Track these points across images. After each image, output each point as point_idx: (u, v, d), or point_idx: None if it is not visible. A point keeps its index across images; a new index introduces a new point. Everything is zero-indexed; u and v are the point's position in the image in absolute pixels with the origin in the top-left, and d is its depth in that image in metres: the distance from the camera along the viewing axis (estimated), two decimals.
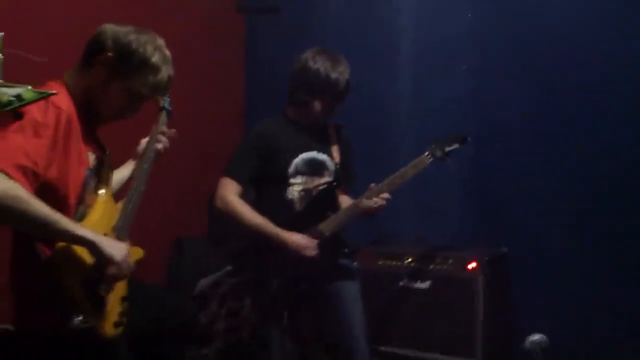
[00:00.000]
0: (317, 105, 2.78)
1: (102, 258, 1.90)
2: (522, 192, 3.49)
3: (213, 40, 4.19)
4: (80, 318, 1.88)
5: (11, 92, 1.29)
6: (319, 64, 2.74)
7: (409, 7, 3.89)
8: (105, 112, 2.10)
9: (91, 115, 2.10)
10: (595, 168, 3.31)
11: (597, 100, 3.34)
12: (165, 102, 2.45)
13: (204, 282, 3.66)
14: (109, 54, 2.03)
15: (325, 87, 2.73)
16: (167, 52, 2.13)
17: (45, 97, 1.29)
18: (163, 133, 2.38)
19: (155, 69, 2.07)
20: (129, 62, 2.04)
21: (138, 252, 2.21)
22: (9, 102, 1.28)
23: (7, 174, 1.73)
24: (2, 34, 1.29)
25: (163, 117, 2.44)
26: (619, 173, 3.27)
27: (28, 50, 2.57)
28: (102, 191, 2.12)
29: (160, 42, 2.12)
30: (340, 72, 2.73)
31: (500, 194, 3.57)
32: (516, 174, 3.51)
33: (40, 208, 1.77)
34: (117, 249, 1.94)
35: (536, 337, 2.88)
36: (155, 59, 2.07)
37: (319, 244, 2.74)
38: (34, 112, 1.83)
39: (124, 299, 2.11)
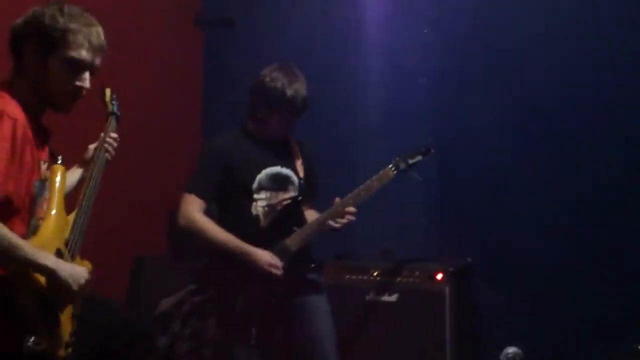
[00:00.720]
0: (275, 122, 2.79)
1: (60, 284, 1.86)
2: (487, 202, 3.52)
3: (172, 53, 4.14)
4: (33, 339, 1.80)
5: None
6: (275, 81, 2.75)
7: (365, 21, 3.91)
8: (58, 94, 2.03)
9: (46, 108, 2.05)
10: (562, 176, 3.35)
11: (564, 108, 3.38)
12: (114, 107, 2.40)
13: (165, 302, 3.57)
14: (29, 42, 1.99)
15: (282, 104, 2.74)
16: (83, 13, 2.07)
17: None
18: (112, 139, 2.32)
19: (77, 31, 2.01)
20: (50, 37, 1.99)
21: (87, 266, 2.14)
22: None
23: None
24: None
25: (112, 122, 2.39)
26: (586, 181, 3.31)
27: None
28: (54, 202, 2.04)
29: (70, 7, 2.05)
30: (296, 90, 2.74)
31: (466, 205, 3.60)
32: (481, 185, 3.54)
33: (4, 234, 1.74)
34: (75, 276, 1.91)
35: (510, 350, 2.89)
36: (73, 25, 2.01)
37: (285, 260, 2.71)
38: None
39: (74, 316, 2.04)
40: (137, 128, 3.82)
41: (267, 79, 2.76)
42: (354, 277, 3.34)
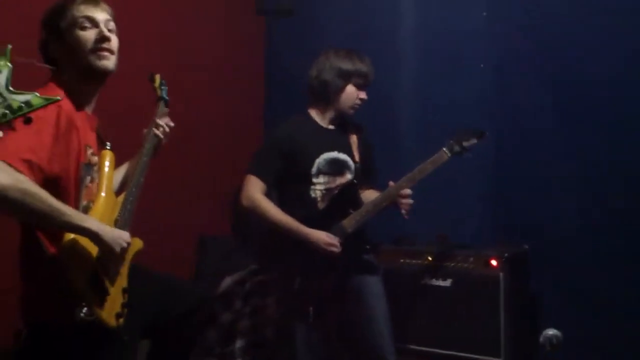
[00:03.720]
0: (349, 91, 2.89)
1: (103, 247, 1.98)
2: (543, 189, 3.49)
3: (234, 42, 4.25)
4: (85, 310, 1.94)
5: (21, 98, 1.37)
6: (346, 54, 2.91)
7: (423, 5, 3.94)
8: (86, 56, 2.13)
9: (93, 93, 2.19)
10: (619, 166, 3.29)
11: (622, 95, 3.30)
12: (162, 92, 2.51)
13: (228, 280, 3.72)
14: (45, 33, 2.15)
15: (358, 74, 2.87)
16: None
17: (52, 102, 1.39)
18: (164, 123, 2.42)
19: (72, 2, 2.15)
20: (60, 20, 2.13)
21: (138, 244, 2.28)
22: (19, 108, 1.37)
23: (14, 168, 1.81)
24: (10, 46, 1.37)
25: (161, 106, 2.50)
26: None
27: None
28: (103, 186, 2.17)
29: None
30: (367, 65, 2.90)
31: (521, 191, 3.57)
32: (537, 171, 3.51)
33: (47, 200, 1.85)
34: (118, 239, 2.02)
35: (550, 332, 2.89)
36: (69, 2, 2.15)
37: (342, 241, 2.79)
38: (37, 111, 1.90)
39: (124, 290, 2.17)
40: (202, 114, 3.98)
41: (331, 54, 2.92)
42: (408, 261, 3.38)
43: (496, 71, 3.70)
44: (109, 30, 2.17)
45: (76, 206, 2.06)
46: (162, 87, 2.52)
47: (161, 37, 3.80)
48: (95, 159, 2.17)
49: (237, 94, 4.29)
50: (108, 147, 2.24)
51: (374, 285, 2.87)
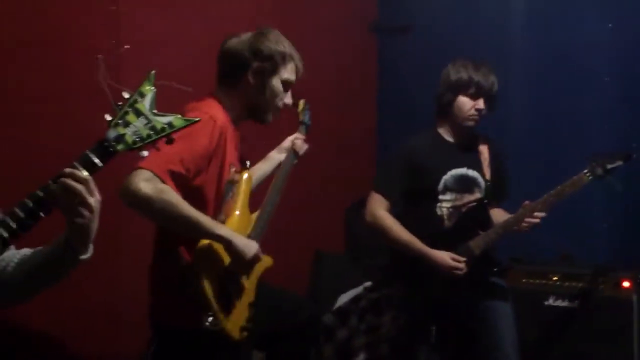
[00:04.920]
0: (461, 102, 2.79)
1: (234, 253, 2.05)
2: None
3: (347, 59, 4.29)
4: (211, 319, 2.02)
5: (164, 120, 1.43)
6: (460, 64, 2.82)
7: (544, 17, 3.83)
8: (267, 110, 2.31)
9: (253, 117, 2.33)
10: None
11: None
12: (305, 116, 2.62)
13: (343, 297, 3.72)
14: (255, 64, 2.24)
15: (468, 84, 2.77)
16: (287, 40, 2.34)
17: (192, 124, 1.46)
18: (298, 152, 2.59)
19: (290, 57, 2.30)
20: (273, 60, 2.25)
21: (268, 261, 2.35)
22: (163, 129, 1.43)
23: (159, 178, 1.92)
24: (154, 71, 1.46)
25: (302, 130, 2.65)
26: None
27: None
28: (239, 203, 2.26)
29: (280, 35, 2.33)
30: (483, 73, 2.78)
31: None
32: None
33: (187, 209, 1.96)
34: (249, 247, 2.09)
35: None
36: (287, 49, 2.29)
37: (468, 263, 2.72)
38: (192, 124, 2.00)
39: (251, 304, 2.24)
40: (316, 130, 4.01)
41: (453, 65, 2.83)
42: (531, 280, 3.27)
43: (622, 84, 3.55)
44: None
45: (214, 219, 2.14)
46: (305, 112, 2.65)
47: None
48: (236, 176, 2.25)
49: (350, 111, 4.31)
50: (247, 166, 2.33)
51: (502, 310, 2.76)
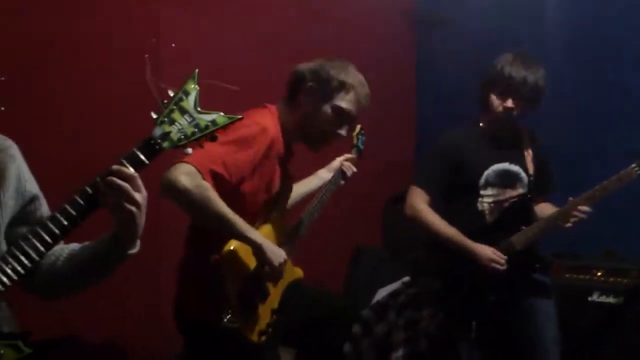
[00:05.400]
0: (491, 99, 2.73)
1: (263, 259, 2.08)
2: None
3: (385, 52, 4.27)
4: (229, 317, 2.06)
5: (207, 118, 1.45)
6: (500, 59, 2.73)
7: (588, 12, 3.74)
8: (318, 135, 2.32)
9: (303, 140, 2.33)
10: None
11: None
12: (359, 141, 2.63)
13: (382, 292, 3.72)
14: (310, 84, 2.25)
15: (497, 82, 2.70)
16: (359, 75, 2.34)
17: (234, 121, 1.48)
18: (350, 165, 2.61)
19: (351, 87, 2.28)
20: (329, 85, 2.25)
21: (298, 273, 2.40)
22: (206, 127, 1.45)
23: (201, 175, 1.96)
24: (197, 70, 1.47)
25: (354, 154, 2.69)
26: None
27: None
28: (274, 213, 2.30)
29: (350, 67, 2.33)
30: (522, 69, 2.67)
31: None
32: None
33: (223, 208, 2.00)
34: (277, 255, 2.11)
35: None
36: (350, 79, 2.28)
37: (509, 258, 2.69)
38: (244, 131, 2.05)
39: (274, 311, 2.27)
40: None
41: (496, 60, 2.74)
42: (575, 276, 3.22)
43: None
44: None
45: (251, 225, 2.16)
46: (360, 137, 2.67)
47: (312, 51, 3.88)
48: (279, 187, 2.30)
49: (389, 104, 4.29)
50: (288, 180, 2.37)
51: (544, 308, 2.73)
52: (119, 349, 2.96)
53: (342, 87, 2.27)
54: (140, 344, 2.97)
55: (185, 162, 1.96)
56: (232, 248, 2.08)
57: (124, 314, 2.89)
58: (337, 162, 2.66)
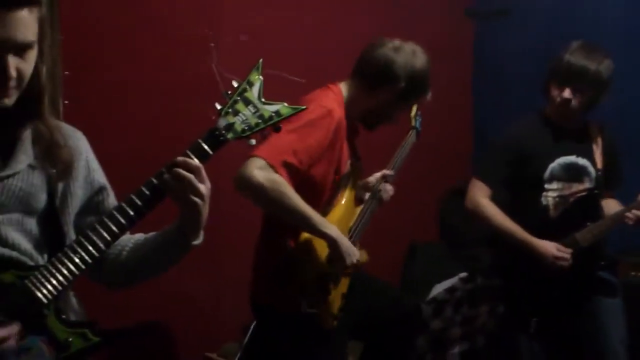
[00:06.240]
0: (550, 89, 2.65)
1: (337, 255, 2.09)
2: None
3: (443, 44, 4.20)
4: (307, 304, 2.09)
5: (271, 108, 1.44)
6: (565, 49, 2.62)
7: None
8: (380, 121, 2.33)
9: (365, 124, 2.33)
10: None
11: None
12: (416, 122, 2.60)
13: (438, 287, 3.68)
14: (401, 84, 2.24)
15: (556, 71, 2.61)
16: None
17: (298, 111, 1.46)
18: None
19: (428, 89, 2.35)
20: (417, 90, 2.29)
21: (364, 257, 2.37)
22: (270, 117, 1.44)
23: (273, 168, 1.96)
24: (262, 59, 1.46)
25: (412, 135, 2.62)
26: None
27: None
28: (346, 194, 2.30)
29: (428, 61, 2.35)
30: (582, 58, 2.56)
31: None
32: None
33: (298, 203, 2.00)
34: (351, 253, 2.12)
35: None
36: (429, 84, 2.33)
37: (573, 255, 2.61)
38: (309, 115, 2.04)
39: (343, 295, 2.27)
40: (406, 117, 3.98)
41: (561, 50, 2.63)
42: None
43: None
44: None
45: (323, 209, 2.17)
46: (417, 118, 2.64)
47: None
48: (349, 169, 2.29)
49: (446, 97, 4.22)
50: (358, 160, 2.36)
51: (610, 307, 2.66)
52: (182, 338, 3.01)
53: (426, 92, 2.35)
54: (202, 334, 3.01)
55: (256, 156, 1.96)
56: (306, 237, 2.12)
57: (186, 303, 2.93)
58: (373, 180, 2.46)
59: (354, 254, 2.13)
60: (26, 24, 1.30)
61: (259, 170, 1.95)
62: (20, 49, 1.31)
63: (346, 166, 2.27)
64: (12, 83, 1.31)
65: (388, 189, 2.48)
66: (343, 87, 2.29)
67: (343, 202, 2.30)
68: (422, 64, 2.28)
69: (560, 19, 3.89)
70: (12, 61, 1.30)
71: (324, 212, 2.19)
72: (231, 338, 3.00)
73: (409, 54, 2.26)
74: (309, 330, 2.17)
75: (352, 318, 2.33)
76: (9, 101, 1.34)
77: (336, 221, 2.20)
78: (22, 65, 1.32)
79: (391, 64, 2.24)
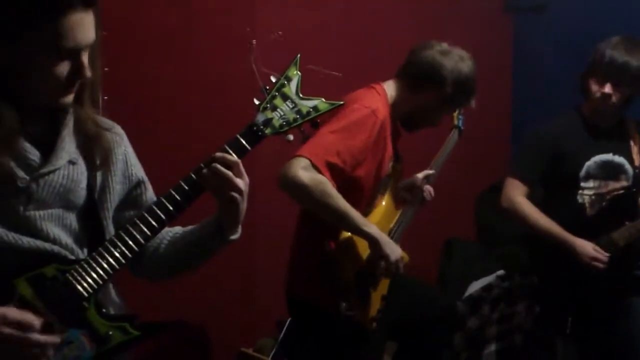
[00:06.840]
0: (589, 85, 2.59)
1: (378, 254, 2.07)
2: None
3: (482, 40, 4.15)
4: (346, 305, 2.08)
5: (309, 104, 1.44)
6: (605, 44, 2.56)
7: None
8: (422, 125, 2.34)
9: (406, 126, 2.33)
10: None
11: None
12: (459, 121, 2.58)
13: (475, 285, 3.64)
14: (447, 89, 2.23)
15: (595, 66, 2.56)
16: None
17: (336, 107, 1.46)
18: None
19: (473, 96, 2.35)
20: (462, 96, 2.29)
21: (405, 257, 2.32)
22: (308, 113, 1.44)
23: (318, 169, 1.96)
24: (299, 55, 1.47)
25: (454, 134, 2.63)
26: None
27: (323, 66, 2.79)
28: (386, 196, 2.29)
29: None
30: (624, 53, 2.50)
31: None
32: None
33: (341, 203, 2.00)
34: (394, 250, 2.10)
35: None
36: (466, 82, 2.29)
37: (611, 255, 2.57)
38: (353, 115, 2.04)
39: (383, 297, 2.26)
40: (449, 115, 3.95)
41: (600, 45, 2.58)
42: None
43: None
44: None
45: (364, 209, 2.16)
46: (459, 117, 2.63)
47: (408, 38, 3.84)
48: (390, 171, 2.29)
49: (484, 93, 4.17)
50: (400, 161, 2.36)
51: None
52: (217, 333, 3.04)
53: (470, 100, 2.34)
54: (237, 329, 3.04)
55: (300, 156, 1.97)
56: (347, 237, 2.11)
57: (221, 298, 2.96)
58: (417, 181, 2.48)
59: (397, 252, 2.12)
60: (92, 23, 1.32)
61: (303, 170, 1.95)
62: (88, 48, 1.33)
63: (388, 167, 2.26)
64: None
65: (430, 190, 2.48)
66: (387, 87, 2.27)
67: (383, 203, 2.30)
68: (469, 70, 2.27)
69: (597, 11, 3.82)
70: (86, 61, 1.32)
71: (364, 214, 2.18)
72: (266, 333, 3.02)
73: (456, 59, 2.25)
74: (347, 328, 2.17)
75: (390, 318, 2.33)
76: (70, 99, 1.36)
77: (376, 223, 2.19)
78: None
79: (439, 67, 2.22)
